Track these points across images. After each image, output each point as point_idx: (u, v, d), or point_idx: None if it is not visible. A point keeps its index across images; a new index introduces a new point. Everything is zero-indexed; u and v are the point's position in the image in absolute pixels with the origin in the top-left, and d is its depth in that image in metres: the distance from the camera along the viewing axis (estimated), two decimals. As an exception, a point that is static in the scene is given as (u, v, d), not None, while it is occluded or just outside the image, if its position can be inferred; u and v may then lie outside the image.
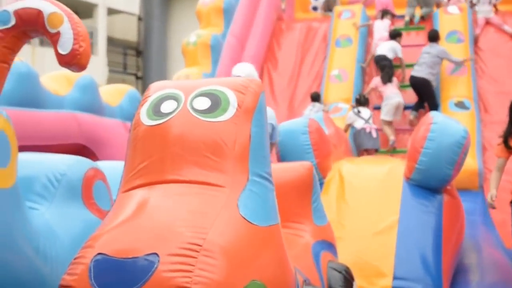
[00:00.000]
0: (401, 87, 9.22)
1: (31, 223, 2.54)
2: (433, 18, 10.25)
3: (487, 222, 6.47)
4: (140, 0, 22.21)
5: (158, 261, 1.73)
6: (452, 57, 8.92)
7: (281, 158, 4.89)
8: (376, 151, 8.18)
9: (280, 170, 2.60)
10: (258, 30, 10.52)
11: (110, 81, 20.56)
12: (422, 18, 10.54)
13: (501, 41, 9.81)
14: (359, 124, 8.15)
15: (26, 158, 2.81)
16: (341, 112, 8.98)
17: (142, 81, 22.66)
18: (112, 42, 21.98)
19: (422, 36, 10.19)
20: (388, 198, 4.43)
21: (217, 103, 2.13)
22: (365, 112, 8.28)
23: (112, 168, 3.51)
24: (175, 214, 1.88)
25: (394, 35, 9.66)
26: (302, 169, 2.98)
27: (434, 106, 8.61)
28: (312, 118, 5.12)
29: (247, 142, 2.08)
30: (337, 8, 10.84)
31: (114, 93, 7.04)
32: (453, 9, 10.10)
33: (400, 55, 9.37)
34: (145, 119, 2.15)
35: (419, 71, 8.74)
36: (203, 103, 2.13)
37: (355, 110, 8.35)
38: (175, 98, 2.17)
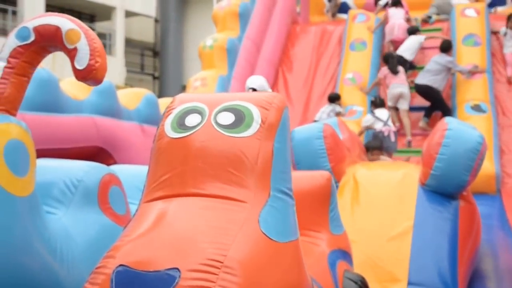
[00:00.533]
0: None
1: (48, 228, 2.59)
2: (450, 21, 10.21)
3: (504, 227, 6.42)
4: (157, 3, 22.37)
5: (179, 276, 1.73)
6: (459, 67, 8.92)
7: (296, 163, 4.90)
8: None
9: (299, 178, 2.61)
10: (273, 33, 10.57)
11: (128, 80, 20.77)
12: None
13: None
14: (378, 126, 8.13)
15: (45, 164, 2.87)
16: (355, 115, 8.99)
17: (159, 81, 22.84)
18: (129, 43, 22.18)
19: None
20: (403, 203, 4.41)
21: (241, 118, 2.13)
22: (383, 113, 8.26)
23: (127, 172, 3.56)
24: (196, 228, 1.89)
25: (413, 31, 9.71)
26: (320, 178, 2.96)
27: (447, 111, 8.62)
28: (327, 123, 5.12)
29: (270, 158, 2.09)
30: (352, 12, 10.83)
31: (132, 97, 7.10)
32: (470, 11, 10.03)
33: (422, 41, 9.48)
34: (169, 131, 2.16)
35: (421, 78, 8.81)
36: (227, 118, 2.13)
37: (372, 113, 8.35)
38: (199, 111, 2.18)
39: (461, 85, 8.99)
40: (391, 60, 9.06)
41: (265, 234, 1.93)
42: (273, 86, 10.00)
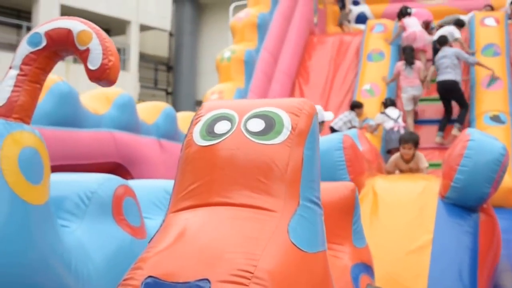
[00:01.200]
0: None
1: (63, 241, 2.60)
2: (468, 30, 10.22)
3: (524, 241, 6.38)
4: (172, 17, 22.52)
5: (210, 287, 1.73)
6: (467, 56, 9.10)
7: (315, 174, 4.91)
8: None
9: (323, 189, 2.65)
10: (291, 45, 10.60)
11: (141, 96, 20.85)
12: None
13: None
14: (388, 124, 8.57)
15: (57, 178, 2.88)
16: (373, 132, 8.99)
17: (172, 96, 22.91)
18: (143, 58, 22.31)
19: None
20: (423, 216, 4.39)
21: (271, 125, 2.11)
22: (394, 112, 8.68)
23: (141, 187, 3.58)
24: (225, 239, 1.88)
25: (445, 41, 9.73)
26: (345, 190, 2.94)
27: (465, 106, 8.81)
28: (347, 134, 5.13)
29: (300, 166, 2.07)
30: (370, 22, 10.87)
31: (150, 111, 7.10)
32: (489, 21, 10.03)
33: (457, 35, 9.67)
34: (198, 139, 2.14)
35: (446, 74, 8.85)
36: (257, 124, 2.12)
37: (383, 112, 8.69)
38: (229, 118, 2.16)
39: (481, 96, 8.98)
40: (408, 51, 9.29)
41: (295, 244, 1.92)
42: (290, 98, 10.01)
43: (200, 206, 2.04)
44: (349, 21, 11.99)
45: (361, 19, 12.20)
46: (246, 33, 10.08)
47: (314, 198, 2.10)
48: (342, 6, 11.79)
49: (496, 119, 8.49)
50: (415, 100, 9.22)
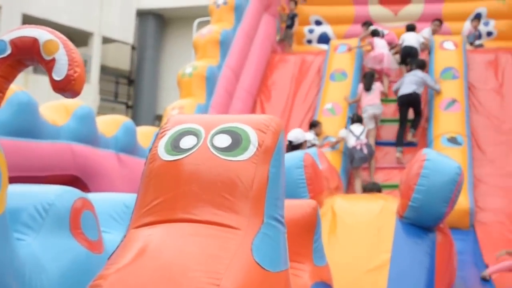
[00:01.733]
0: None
1: (18, 254, 2.54)
2: (429, 55, 10.43)
3: (478, 263, 6.47)
4: (135, 30, 22.41)
5: None
6: (433, 84, 9.45)
7: (275, 192, 4.91)
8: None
9: (285, 207, 2.65)
10: (253, 62, 10.67)
11: (101, 109, 20.61)
12: None
13: (491, 77, 10.03)
14: (351, 142, 8.59)
15: (14, 190, 2.80)
16: (334, 146, 9.07)
17: (133, 110, 22.72)
18: (104, 70, 22.09)
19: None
20: (381, 236, 4.42)
21: (237, 141, 2.09)
22: (358, 128, 8.72)
23: (99, 200, 3.52)
24: (188, 256, 1.84)
25: (411, 27, 10.35)
26: (307, 208, 2.94)
27: (420, 114, 9.37)
28: (307, 153, 5.16)
29: (265, 183, 2.05)
30: (333, 42, 11.00)
31: (110, 124, 7.02)
32: (448, 44, 10.26)
33: (427, 36, 10.30)
34: (163, 153, 2.10)
35: (409, 88, 9.21)
36: (224, 140, 2.09)
37: (348, 128, 8.78)
38: (195, 133, 2.13)
39: (439, 118, 9.15)
40: (368, 77, 9.52)
41: (258, 263, 1.90)
42: (251, 115, 10.03)
43: (163, 222, 2.00)
44: (290, 43, 12.03)
45: (323, 39, 12.33)
46: (208, 49, 10.09)
47: (278, 216, 2.09)
48: (291, 25, 11.85)
49: (453, 140, 8.65)
50: (376, 119, 9.42)
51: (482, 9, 11.96)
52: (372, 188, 6.68)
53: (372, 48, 10.40)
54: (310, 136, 8.87)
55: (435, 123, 9.09)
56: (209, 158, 2.06)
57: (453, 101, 9.27)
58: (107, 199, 3.72)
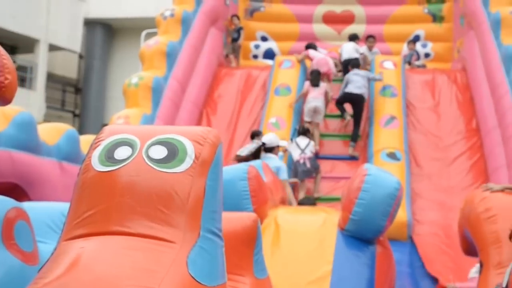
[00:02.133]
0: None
1: None
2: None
3: (415, 274, 6.57)
4: (83, 39, 22.03)
5: None
6: (374, 75, 9.92)
7: (219, 204, 4.84)
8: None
9: (225, 219, 2.57)
10: (199, 75, 10.64)
11: (47, 117, 20.14)
12: None
13: (429, 96, 10.28)
14: (295, 155, 8.59)
15: None
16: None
17: (80, 118, 22.31)
18: (51, 78, 21.61)
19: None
20: (322, 247, 4.43)
21: (174, 153, 2.02)
22: (303, 141, 8.69)
23: (36, 209, 3.38)
24: (120, 270, 1.76)
25: (353, 37, 10.73)
26: (247, 221, 2.91)
27: (358, 124, 9.57)
28: (252, 165, 5.12)
29: (201, 196, 1.99)
30: (278, 58, 11.05)
31: (52, 132, 6.82)
32: (388, 64, 10.45)
33: (362, 51, 10.66)
34: (97, 164, 2.03)
35: (357, 89, 9.47)
36: (160, 152, 2.02)
37: (294, 140, 8.79)
38: (130, 144, 2.06)
39: (379, 134, 9.27)
40: (315, 75, 9.77)
41: (193, 277, 1.84)
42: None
43: (96, 235, 1.91)
44: (237, 56, 11.98)
45: (269, 54, 12.38)
46: (155, 60, 9.99)
47: (215, 229, 2.03)
48: (237, 38, 11.83)
49: (392, 156, 8.78)
50: (316, 111, 9.51)
51: (420, 31, 12.25)
52: (306, 202, 6.70)
53: (309, 58, 10.65)
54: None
55: (375, 139, 9.21)
56: (144, 170, 1.98)
57: (392, 118, 9.42)
58: (43, 208, 3.57)
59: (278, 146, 7.95)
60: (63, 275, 1.78)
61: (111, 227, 1.91)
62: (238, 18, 11.84)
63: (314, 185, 8.84)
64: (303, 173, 8.51)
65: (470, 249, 4.49)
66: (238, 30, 11.75)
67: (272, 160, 7.40)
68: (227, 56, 11.82)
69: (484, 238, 3.98)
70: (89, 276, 1.75)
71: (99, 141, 2.11)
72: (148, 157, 2.02)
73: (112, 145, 2.06)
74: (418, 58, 11.71)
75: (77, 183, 2.05)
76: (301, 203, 6.96)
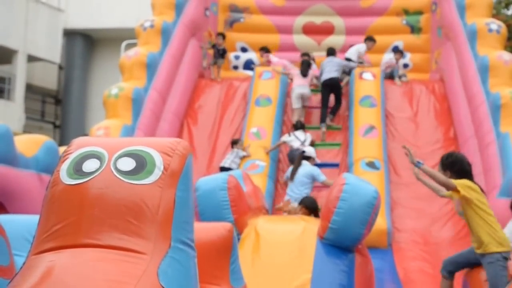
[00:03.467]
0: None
1: None
2: (349, 83, 10.67)
3: (394, 281, 6.62)
4: (62, 50, 21.88)
5: None
6: (347, 63, 10.65)
7: (199, 213, 4.86)
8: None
9: (200, 229, 2.55)
10: (179, 85, 10.62)
11: (26, 128, 19.96)
12: None
13: (407, 106, 10.39)
14: (295, 144, 9.25)
15: None
16: (258, 169, 9.08)
17: (60, 129, 22.13)
18: (30, 89, 21.42)
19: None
20: (302, 256, 4.44)
21: (142, 164, 2.02)
22: (301, 135, 9.38)
23: (12, 222, 3.34)
24: (91, 283, 1.75)
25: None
26: (222, 230, 2.89)
27: (339, 102, 10.39)
28: (231, 175, 5.14)
29: (171, 207, 1.98)
30: (258, 69, 11.11)
31: (30, 144, 6.67)
32: (367, 75, 10.55)
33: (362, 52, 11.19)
34: (65, 177, 2.02)
35: (331, 73, 10.29)
36: (128, 164, 2.02)
37: (291, 134, 9.41)
38: (98, 156, 2.06)
39: (358, 143, 9.35)
40: (304, 65, 10.54)
41: None
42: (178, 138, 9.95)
43: (66, 248, 1.90)
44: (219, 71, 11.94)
45: (249, 65, 12.43)
46: (134, 71, 9.95)
47: (186, 240, 2.02)
48: (222, 55, 11.75)
49: (371, 165, 8.85)
50: (303, 98, 10.30)
51: (399, 42, 12.38)
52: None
53: (269, 63, 11.29)
54: (234, 153, 9.19)
55: (354, 148, 9.29)
56: (113, 182, 1.98)
57: (371, 128, 9.51)
58: (21, 221, 3.50)
59: (313, 158, 8.81)
60: None
61: (81, 240, 1.90)
62: (223, 37, 11.80)
63: None
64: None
65: None
66: (223, 51, 11.73)
67: (307, 165, 8.50)
68: (208, 68, 11.79)
69: None
70: None
71: (67, 154, 2.10)
72: (117, 169, 2.01)
73: (80, 158, 2.06)
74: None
75: (46, 197, 2.04)
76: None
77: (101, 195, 1.95)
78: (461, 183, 4.82)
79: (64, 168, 2.04)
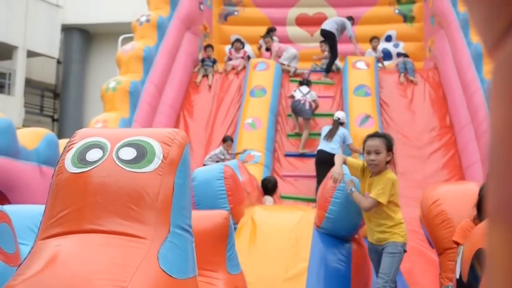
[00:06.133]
0: None
1: None
2: (342, 73, 10.62)
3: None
4: (60, 44, 21.83)
5: None
6: (350, 30, 10.99)
7: (196, 203, 4.84)
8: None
9: (197, 217, 2.60)
10: (175, 78, 10.63)
11: (26, 122, 19.94)
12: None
13: (402, 94, 10.33)
14: (297, 95, 9.86)
15: None
16: (253, 159, 9.04)
17: (58, 123, 22.12)
18: (30, 83, 21.38)
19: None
20: (299, 245, 4.43)
21: (142, 154, 2.09)
22: (304, 88, 9.98)
23: (17, 212, 3.35)
24: (94, 266, 1.82)
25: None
26: (218, 218, 2.94)
27: (334, 57, 10.89)
28: (227, 165, 5.11)
29: (170, 194, 2.05)
30: (253, 61, 11.06)
31: (31, 136, 6.74)
32: (361, 64, 10.49)
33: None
34: (70, 166, 2.09)
35: (329, 26, 10.77)
36: (129, 153, 2.10)
37: (297, 89, 10.02)
38: (101, 146, 2.13)
39: (354, 133, 9.29)
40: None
41: (164, 271, 1.89)
42: (175, 129, 9.93)
43: (70, 233, 1.97)
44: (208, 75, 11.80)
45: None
46: (131, 64, 9.95)
47: (185, 225, 2.08)
48: (212, 65, 11.59)
49: (367, 154, 8.79)
50: (296, 58, 11.09)
51: (392, 32, 12.32)
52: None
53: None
54: (217, 150, 9.17)
55: (351, 138, 9.21)
56: (115, 170, 2.05)
57: (367, 117, 9.45)
58: (25, 211, 3.58)
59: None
60: (41, 271, 1.83)
61: (85, 226, 1.97)
62: (212, 49, 11.72)
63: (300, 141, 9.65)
64: (301, 111, 9.69)
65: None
66: (214, 60, 11.66)
67: (342, 130, 8.99)
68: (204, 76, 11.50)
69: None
70: (66, 272, 1.80)
71: (72, 144, 2.18)
72: (118, 158, 2.08)
73: (84, 147, 2.13)
74: (383, 58, 11.71)
75: (51, 185, 2.11)
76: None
77: (103, 183, 2.03)
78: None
79: (68, 157, 2.12)
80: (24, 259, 1.97)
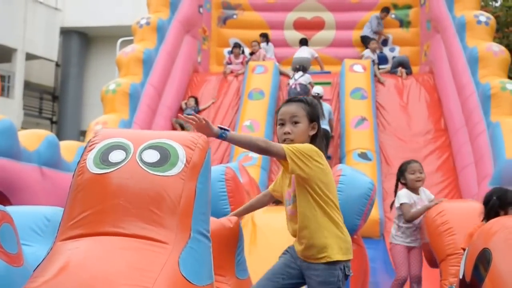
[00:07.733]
0: None
1: None
2: (339, 76, 10.64)
3: (388, 270, 6.58)
4: (59, 47, 21.79)
5: None
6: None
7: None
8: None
9: None
10: (175, 80, 10.63)
11: (24, 124, 19.91)
12: None
13: (398, 98, 10.36)
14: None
15: None
16: (251, 161, 9.04)
17: (57, 125, 22.08)
18: (28, 86, 21.34)
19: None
20: (299, 246, 4.40)
21: (166, 157, 2.03)
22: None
23: (19, 212, 3.34)
24: (115, 270, 1.76)
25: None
26: (229, 223, 2.89)
27: None
28: (229, 167, 5.10)
29: (192, 199, 2.00)
30: (251, 64, 11.07)
31: (32, 138, 6.72)
32: (358, 67, 10.52)
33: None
34: (92, 166, 2.02)
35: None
36: (152, 156, 2.04)
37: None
38: (124, 148, 2.07)
39: (350, 135, 9.33)
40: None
41: (184, 277, 1.84)
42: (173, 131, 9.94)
43: (91, 235, 1.90)
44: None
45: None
46: (131, 67, 9.95)
47: (204, 230, 2.04)
48: None
49: (363, 156, 8.83)
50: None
51: (388, 36, 12.36)
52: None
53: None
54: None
55: (346, 140, 9.26)
56: (138, 173, 1.99)
57: (363, 119, 9.48)
58: (27, 211, 3.53)
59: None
60: (59, 273, 1.77)
61: (106, 228, 1.91)
62: (196, 100, 11.77)
63: None
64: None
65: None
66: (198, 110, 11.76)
67: (326, 106, 9.46)
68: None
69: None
70: (85, 274, 1.74)
71: (93, 144, 2.10)
72: (142, 160, 2.02)
73: (106, 148, 2.07)
74: (379, 63, 11.73)
75: (72, 185, 2.04)
76: None
77: (126, 185, 1.96)
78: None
79: (90, 157, 2.05)
80: (42, 260, 1.91)
